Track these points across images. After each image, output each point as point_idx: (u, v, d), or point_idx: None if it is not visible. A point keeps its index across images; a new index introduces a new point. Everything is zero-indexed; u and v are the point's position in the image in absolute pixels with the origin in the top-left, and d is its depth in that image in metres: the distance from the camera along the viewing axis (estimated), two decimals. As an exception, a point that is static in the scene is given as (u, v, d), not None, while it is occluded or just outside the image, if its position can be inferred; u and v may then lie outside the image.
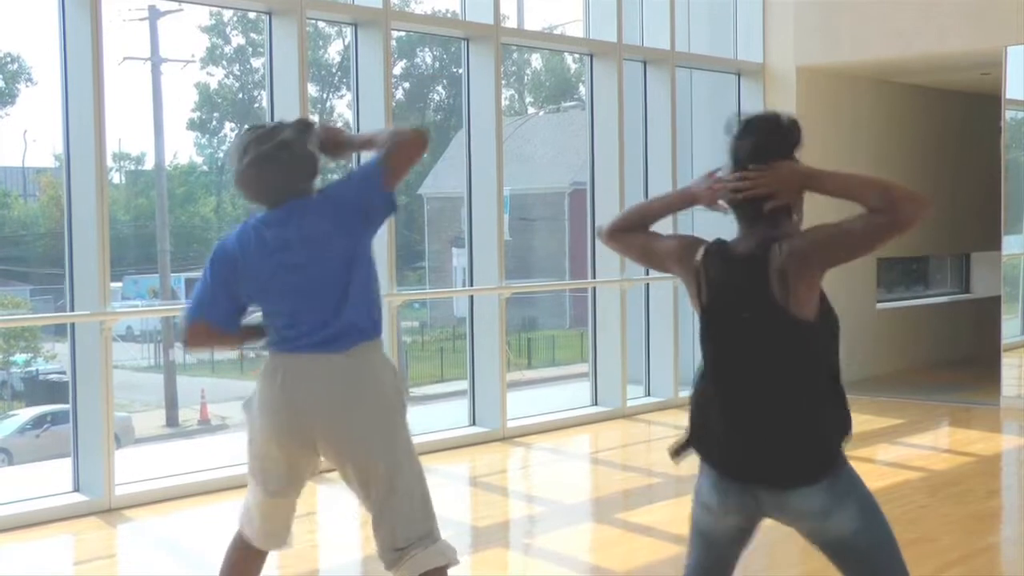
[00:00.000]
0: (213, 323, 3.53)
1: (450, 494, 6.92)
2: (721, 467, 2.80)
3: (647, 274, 9.82)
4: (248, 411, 3.60)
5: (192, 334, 3.60)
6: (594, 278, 9.49)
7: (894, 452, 7.90)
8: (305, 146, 3.50)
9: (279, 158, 3.45)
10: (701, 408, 2.86)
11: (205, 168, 19.60)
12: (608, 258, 9.30)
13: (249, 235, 3.52)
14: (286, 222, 3.45)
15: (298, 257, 3.43)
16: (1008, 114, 9.87)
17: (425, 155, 3.56)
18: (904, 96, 11.56)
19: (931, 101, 11.87)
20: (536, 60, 21.99)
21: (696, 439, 2.86)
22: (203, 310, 3.54)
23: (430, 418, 9.67)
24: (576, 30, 10.71)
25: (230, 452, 7.27)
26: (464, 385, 8.72)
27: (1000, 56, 9.49)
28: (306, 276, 3.44)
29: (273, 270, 3.46)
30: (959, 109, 12.16)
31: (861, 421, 8.85)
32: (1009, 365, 9.60)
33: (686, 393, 3.12)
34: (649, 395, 9.80)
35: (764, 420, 2.74)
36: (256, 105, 18.77)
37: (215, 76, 19.10)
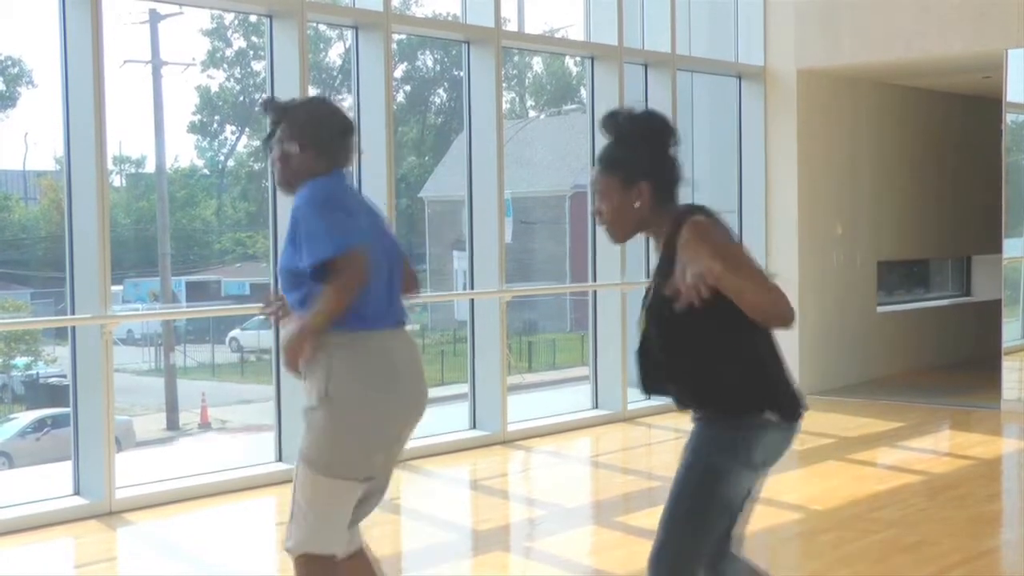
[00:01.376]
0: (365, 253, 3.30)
1: (450, 498, 6.91)
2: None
3: (647, 277, 9.81)
4: (353, 398, 3.35)
5: (358, 268, 3.26)
6: (595, 281, 9.49)
7: (895, 455, 7.89)
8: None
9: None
10: (769, 371, 3.01)
11: (206, 171, 19.62)
12: (609, 261, 9.31)
13: (350, 191, 3.59)
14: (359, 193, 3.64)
15: (385, 227, 3.58)
16: (1009, 117, 9.87)
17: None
18: (905, 99, 11.56)
19: (932, 104, 11.87)
20: (537, 63, 22.00)
21: (785, 398, 3.01)
22: (357, 237, 3.31)
23: (431, 421, 9.65)
24: (577, 33, 10.73)
25: (231, 454, 7.28)
26: (465, 388, 8.71)
27: (1001, 59, 9.49)
28: (394, 247, 3.55)
29: (376, 233, 3.47)
30: (960, 112, 12.17)
31: (862, 424, 8.86)
32: (1010, 368, 9.59)
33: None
34: (650, 398, 9.78)
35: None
36: (257, 108, 18.76)
37: (216, 79, 19.14)
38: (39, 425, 13.64)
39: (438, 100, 21.66)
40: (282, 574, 5.40)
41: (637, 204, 3.05)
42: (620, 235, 3.14)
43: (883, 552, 5.35)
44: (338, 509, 3.42)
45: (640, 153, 3.07)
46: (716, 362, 2.96)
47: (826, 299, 10.42)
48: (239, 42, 19.17)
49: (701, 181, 10.85)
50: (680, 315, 2.83)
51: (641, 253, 9.83)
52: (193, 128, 18.75)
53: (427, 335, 18.17)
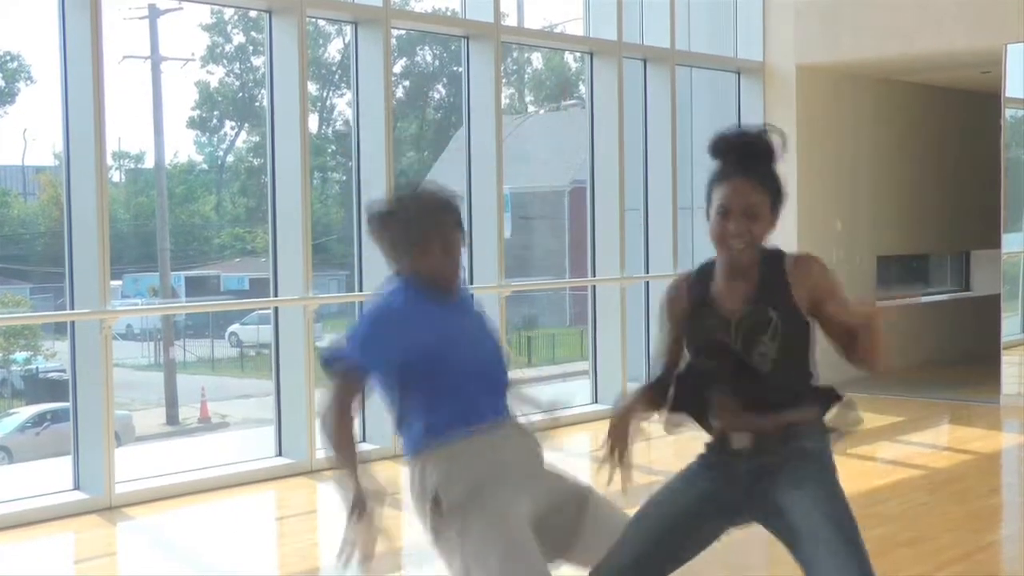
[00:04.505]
0: None
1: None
2: None
3: (647, 272, 9.82)
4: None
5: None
6: (594, 276, 9.49)
7: (894, 450, 7.89)
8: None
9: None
10: None
11: (205, 167, 19.61)
12: (608, 256, 9.31)
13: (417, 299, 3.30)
14: None
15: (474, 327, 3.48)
16: (1008, 112, 9.86)
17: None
18: (904, 94, 11.56)
19: (931, 99, 11.86)
20: (536, 59, 21.99)
21: None
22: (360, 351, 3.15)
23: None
24: (576, 28, 10.70)
25: (230, 450, 7.28)
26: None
27: (1000, 54, 9.49)
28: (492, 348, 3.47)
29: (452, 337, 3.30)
30: (959, 107, 12.16)
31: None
32: (1009, 363, 9.60)
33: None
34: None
35: None
36: (257, 104, 18.77)
37: (215, 74, 19.11)
38: (39, 420, 13.64)
39: (437, 96, 21.64)
40: (281, 569, 5.41)
41: (773, 227, 2.95)
42: (751, 257, 2.93)
43: (883, 546, 5.35)
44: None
45: (778, 175, 2.99)
46: (812, 379, 2.98)
47: (825, 294, 10.39)
48: (239, 38, 19.15)
49: (700, 177, 10.86)
50: (797, 335, 2.87)
51: (640, 248, 9.84)
52: (192, 124, 18.73)
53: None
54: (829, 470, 2.94)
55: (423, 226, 3.13)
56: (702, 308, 2.99)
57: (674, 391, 3.09)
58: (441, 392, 3.12)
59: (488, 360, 3.29)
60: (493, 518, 3.05)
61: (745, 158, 2.96)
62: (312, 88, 17.55)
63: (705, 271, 3.04)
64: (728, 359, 2.91)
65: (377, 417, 7.70)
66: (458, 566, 3.11)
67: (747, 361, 2.87)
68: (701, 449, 3.08)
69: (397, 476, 7.27)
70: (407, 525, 6.18)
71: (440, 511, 3.10)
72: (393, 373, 3.11)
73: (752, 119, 10.48)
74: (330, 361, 3.10)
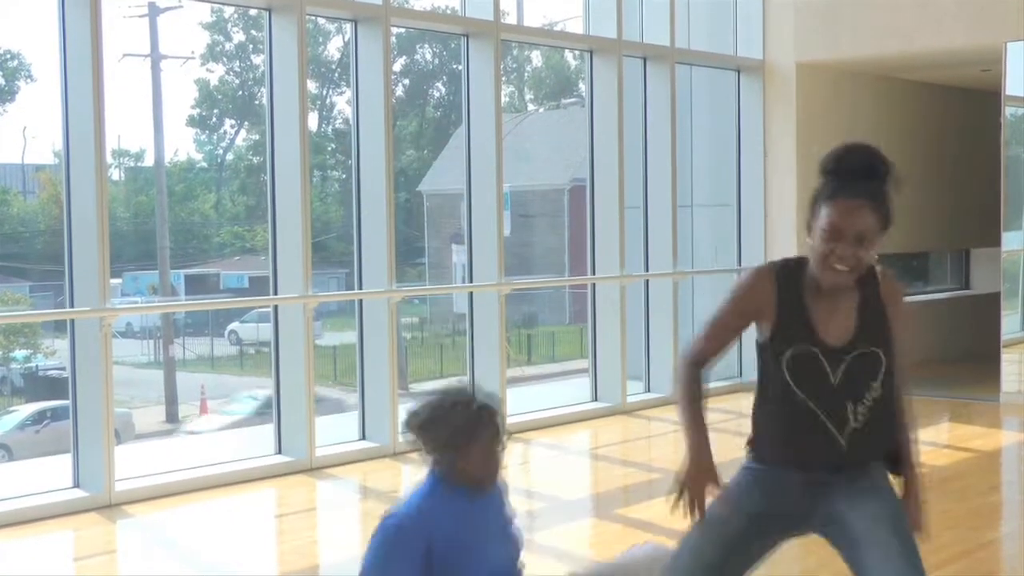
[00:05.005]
0: None
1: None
2: None
3: (646, 270, 9.82)
4: None
5: None
6: (594, 274, 9.49)
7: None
8: None
9: None
10: None
11: (204, 165, 19.60)
12: (608, 254, 9.31)
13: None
14: None
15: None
16: (1008, 110, 9.86)
17: None
18: (904, 92, 11.56)
19: (931, 97, 11.86)
20: (536, 56, 21.98)
21: None
22: None
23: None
24: (576, 26, 10.70)
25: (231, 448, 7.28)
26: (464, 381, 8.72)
27: (1000, 52, 9.49)
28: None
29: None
30: (959, 105, 12.16)
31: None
32: (1009, 361, 9.60)
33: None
34: (649, 391, 9.80)
35: None
36: (256, 102, 18.77)
37: (215, 72, 19.09)
38: (39, 418, 13.64)
39: (437, 94, 21.62)
40: (280, 567, 5.41)
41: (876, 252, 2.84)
42: (853, 279, 2.83)
43: (882, 544, 5.36)
44: None
45: (891, 197, 2.90)
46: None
47: (825, 292, 10.40)
48: (238, 36, 19.13)
49: (700, 175, 10.87)
50: (888, 370, 2.82)
51: (640, 246, 9.84)
52: (192, 122, 18.72)
53: (426, 328, 18.17)
54: (885, 479, 2.91)
55: (466, 435, 3.14)
56: (795, 327, 2.83)
57: (760, 418, 2.96)
58: None
59: (502, 569, 3.25)
60: None
61: (865, 180, 2.86)
62: (312, 86, 17.54)
63: (791, 276, 2.87)
64: (828, 398, 2.81)
65: (375, 414, 7.71)
66: None
67: (850, 406, 2.79)
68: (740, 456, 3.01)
69: (397, 476, 7.31)
70: None
71: None
72: None
73: (752, 117, 10.49)
74: None
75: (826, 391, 2.79)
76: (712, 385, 3.17)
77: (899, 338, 2.86)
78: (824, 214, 2.79)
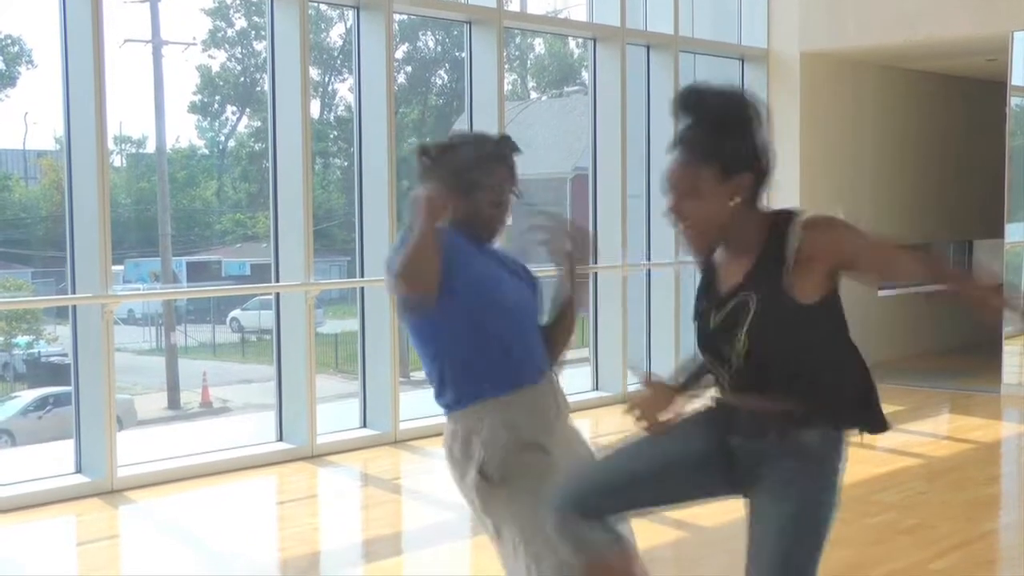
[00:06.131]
0: None
1: (451, 477, 6.92)
2: None
3: (648, 259, 9.82)
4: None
5: None
6: (595, 263, 9.48)
7: (894, 439, 7.88)
8: None
9: None
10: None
11: (206, 152, 19.59)
12: (609, 244, 9.30)
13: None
14: None
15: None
16: (1014, 100, 9.84)
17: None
18: (909, 82, 11.53)
19: (936, 87, 11.84)
20: (539, 44, 21.94)
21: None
22: None
23: (433, 401, 9.66)
24: (579, 14, 10.68)
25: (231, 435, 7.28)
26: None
27: (1006, 42, 9.46)
28: None
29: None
30: (964, 95, 12.13)
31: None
32: (1010, 353, 9.59)
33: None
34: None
35: None
36: (258, 89, 18.74)
37: (217, 59, 19.06)
38: (41, 403, 13.67)
39: (439, 81, 21.58)
40: (282, 553, 5.42)
41: (733, 202, 2.58)
42: (705, 242, 2.66)
43: (882, 534, 5.37)
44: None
45: (738, 138, 2.58)
46: (826, 367, 2.67)
47: (827, 282, 10.40)
48: (240, 22, 19.10)
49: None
50: (784, 322, 2.58)
51: (642, 235, 9.83)
52: (194, 108, 18.70)
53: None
54: (822, 480, 2.68)
55: (477, 173, 2.99)
56: (704, 285, 2.73)
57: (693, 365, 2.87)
58: (487, 337, 2.96)
59: (529, 308, 3.14)
60: (545, 480, 2.93)
61: (685, 125, 2.63)
62: (314, 73, 17.53)
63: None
64: (709, 347, 2.69)
65: (376, 402, 7.72)
66: (510, 534, 2.99)
67: (723, 353, 2.63)
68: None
69: (398, 464, 7.31)
70: (407, 508, 6.20)
71: (489, 478, 2.98)
72: (442, 302, 2.89)
73: (755, 106, 10.45)
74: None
75: (706, 340, 2.70)
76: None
77: (862, 273, 2.70)
78: None
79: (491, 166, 3.04)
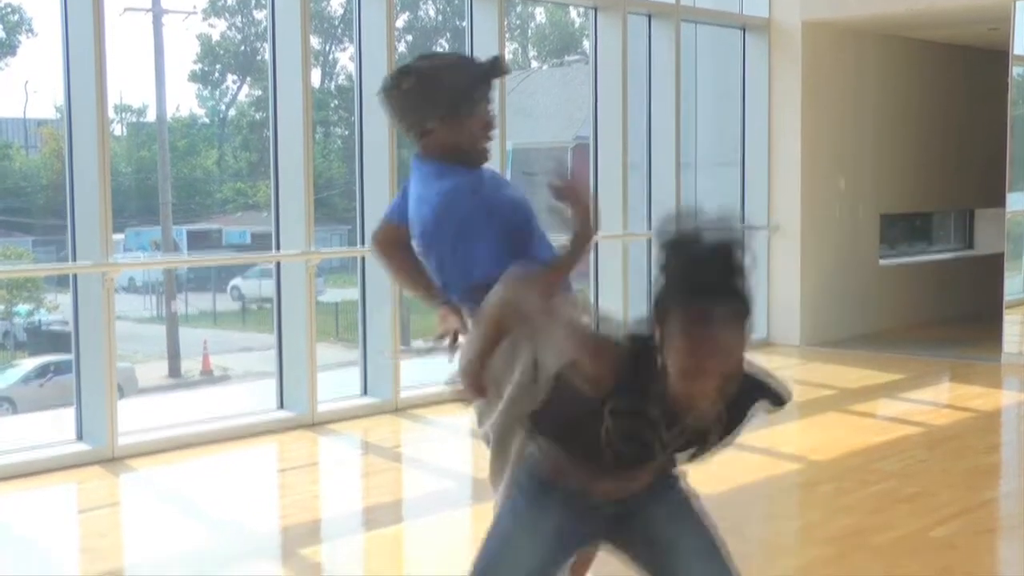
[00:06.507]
0: None
1: (452, 447, 6.95)
2: None
3: (649, 229, 9.80)
4: None
5: None
6: (596, 232, 9.46)
7: (895, 407, 7.92)
8: None
9: None
10: None
11: (207, 120, 19.55)
12: (611, 213, 9.28)
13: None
14: None
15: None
16: (1015, 70, 9.79)
17: None
18: (910, 51, 11.48)
19: (938, 56, 11.78)
20: (540, 14, 21.84)
21: None
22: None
23: (433, 371, 9.68)
24: (580, -18, 10.60)
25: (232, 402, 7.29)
26: (463, 338, 8.71)
27: (1008, 11, 9.41)
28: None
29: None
30: (966, 64, 12.08)
31: (863, 376, 8.88)
32: (1011, 322, 9.60)
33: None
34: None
35: None
36: (258, 58, 18.68)
37: (217, 28, 19.03)
38: (42, 371, 13.72)
39: (440, 51, 21.52)
40: (282, 521, 5.44)
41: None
42: (724, 400, 2.25)
43: (882, 502, 5.39)
44: None
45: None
46: None
47: (828, 252, 10.40)
48: (240, -10, 19.01)
49: (704, 134, 10.82)
50: None
51: (643, 204, 9.82)
52: (194, 77, 18.65)
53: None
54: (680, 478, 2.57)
55: (470, 102, 2.80)
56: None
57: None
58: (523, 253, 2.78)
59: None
60: None
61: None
62: (314, 42, 17.46)
63: None
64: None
65: (377, 371, 7.73)
66: None
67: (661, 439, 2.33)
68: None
69: (397, 431, 7.33)
70: (407, 476, 6.23)
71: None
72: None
73: (757, 76, 10.41)
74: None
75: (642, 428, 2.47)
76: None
77: None
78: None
79: (483, 90, 2.86)
